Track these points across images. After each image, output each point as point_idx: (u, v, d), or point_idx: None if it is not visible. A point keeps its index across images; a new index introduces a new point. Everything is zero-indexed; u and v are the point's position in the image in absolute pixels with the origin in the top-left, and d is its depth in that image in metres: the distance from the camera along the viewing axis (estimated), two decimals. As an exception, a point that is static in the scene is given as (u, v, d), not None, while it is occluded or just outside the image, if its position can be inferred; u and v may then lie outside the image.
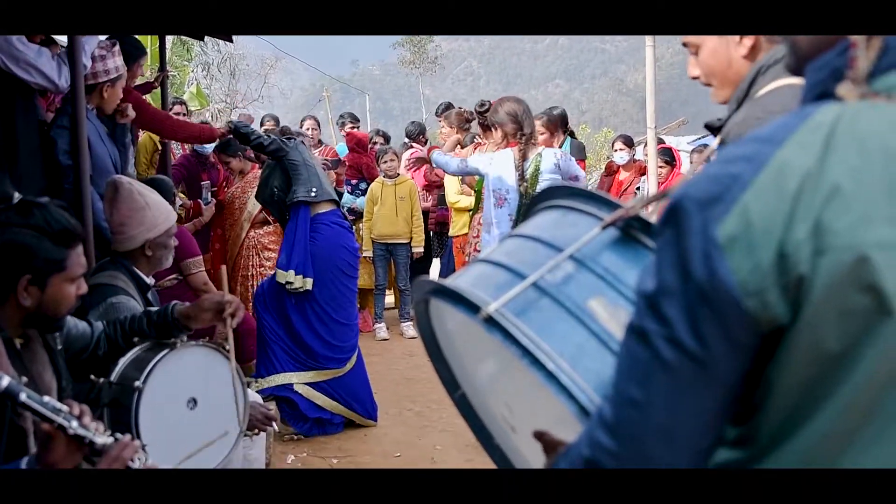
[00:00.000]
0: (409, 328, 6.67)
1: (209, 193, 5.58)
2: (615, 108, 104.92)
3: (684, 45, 1.90)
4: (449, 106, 7.20)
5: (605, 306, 1.15)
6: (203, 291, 4.16)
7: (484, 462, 1.52)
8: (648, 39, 5.83)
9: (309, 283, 4.28)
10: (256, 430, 2.72)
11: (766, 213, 0.80)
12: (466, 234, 5.54)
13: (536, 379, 1.08)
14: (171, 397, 2.27)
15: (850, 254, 0.77)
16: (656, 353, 0.85)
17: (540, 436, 1.16)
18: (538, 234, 1.29)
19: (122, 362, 2.31)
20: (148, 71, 9.53)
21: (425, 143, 8.43)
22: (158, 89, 5.66)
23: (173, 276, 4.02)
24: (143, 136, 5.76)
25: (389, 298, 7.40)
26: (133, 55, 4.36)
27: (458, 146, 5.75)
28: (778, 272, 0.79)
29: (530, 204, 1.42)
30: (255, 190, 4.85)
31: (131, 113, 4.19)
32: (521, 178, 4.29)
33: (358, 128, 8.00)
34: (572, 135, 6.88)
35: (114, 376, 2.26)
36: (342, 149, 7.66)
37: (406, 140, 8.31)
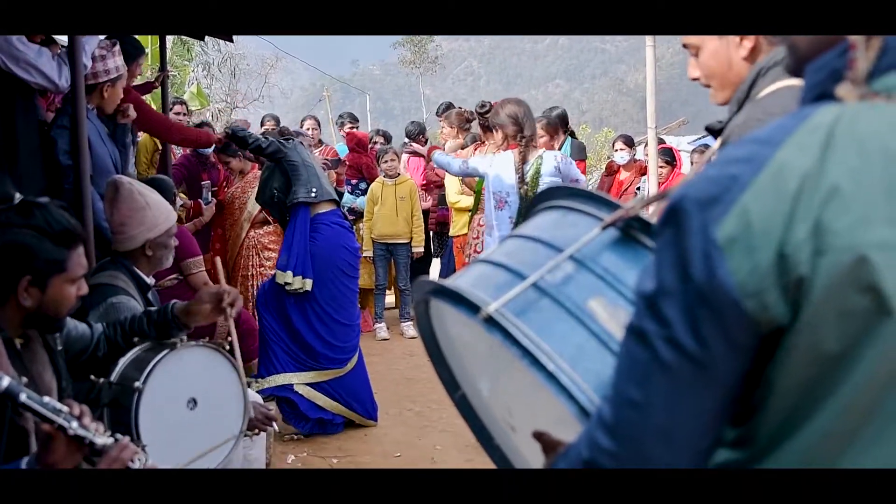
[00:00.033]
0: (410, 328, 6.67)
1: (209, 193, 5.58)
2: (615, 108, 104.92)
3: (685, 46, 1.90)
4: (449, 106, 7.20)
5: (605, 307, 1.15)
6: (203, 291, 4.16)
7: (484, 462, 1.52)
8: (648, 39, 5.82)
9: (308, 284, 4.28)
10: (257, 431, 2.72)
11: (765, 213, 0.80)
12: (466, 234, 5.54)
13: (536, 379, 1.08)
14: (171, 398, 2.27)
15: (849, 254, 0.77)
16: (655, 354, 0.85)
17: (539, 436, 1.16)
18: (538, 234, 1.29)
19: (122, 362, 2.31)
20: (148, 71, 9.55)
21: (425, 142, 8.43)
22: (159, 89, 5.66)
23: (174, 275, 4.02)
24: (143, 135, 5.76)
25: (390, 298, 7.40)
26: (132, 54, 4.36)
27: (460, 148, 5.75)
28: (777, 273, 0.79)
29: (530, 204, 1.42)
30: (255, 190, 4.85)
31: (132, 113, 4.19)
32: (522, 180, 4.29)
33: (357, 128, 7.99)
34: (573, 135, 6.88)
35: (114, 376, 2.26)
36: (342, 149, 7.66)
37: (406, 140, 8.31)
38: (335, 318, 4.39)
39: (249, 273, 5.34)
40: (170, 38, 11.19)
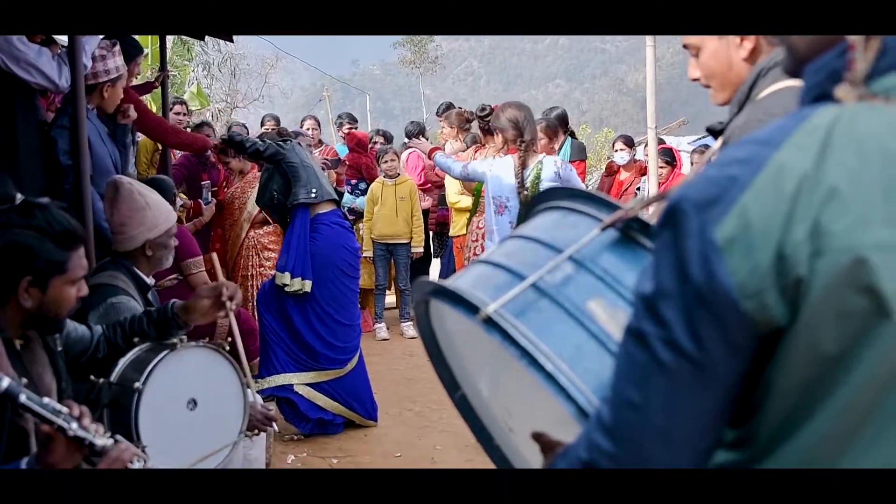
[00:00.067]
0: (410, 328, 6.67)
1: (209, 193, 5.57)
2: (615, 108, 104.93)
3: (685, 46, 1.90)
4: (450, 106, 7.20)
5: (605, 307, 1.15)
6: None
7: (484, 462, 1.52)
8: (649, 39, 5.81)
9: (308, 286, 4.28)
10: (256, 431, 2.72)
11: (763, 214, 0.80)
12: (466, 234, 5.52)
13: (535, 380, 1.08)
14: (171, 398, 2.27)
15: (847, 255, 0.77)
16: (654, 355, 0.85)
17: (538, 437, 1.16)
18: (538, 235, 1.29)
19: (122, 363, 2.31)
20: (148, 71, 9.56)
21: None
22: (159, 89, 5.66)
23: (173, 276, 4.02)
24: (143, 136, 5.76)
25: (391, 298, 7.40)
26: (130, 54, 4.36)
27: (460, 151, 5.74)
28: (776, 274, 0.79)
29: (531, 205, 1.42)
30: (255, 190, 4.85)
31: (133, 113, 4.19)
32: (522, 185, 4.27)
33: (356, 129, 7.99)
34: (573, 135, 6.88)
35: (114, 377, 2.26)
36: (342, 149, 7.66)
37: (405, 140, 8.31)
38: (335, 319, 4.39)
39: (249, 273, 5.33)
40: (170, 38, 11.20)
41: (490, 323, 1.12)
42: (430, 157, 4.95)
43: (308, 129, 7.34)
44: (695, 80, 1.93)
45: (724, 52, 1.83)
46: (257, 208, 5.27)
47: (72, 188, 3.43)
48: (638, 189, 6.53)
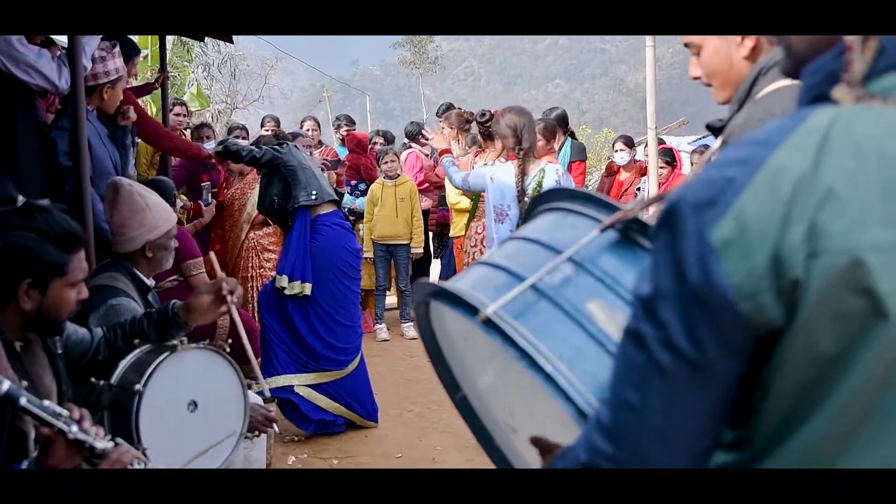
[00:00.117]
0: (410, 329, 6.67)
1: (209, 195, 5.57)
2: (615, 108, 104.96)
3: (686, 45, 1.90)
4: (450, 107, 7.20)
5: (604, 309, 1.15)
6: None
7: (484, 463, 1.51)
8: (648, 39, 5.81)
9: (308, 289, 4.28)
10: (257, 433, 2.72)
11: (760, 216, 0.80)
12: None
13: (535, 381, 1.08)
14: (171, 400, 2.27)
15: (844, 256, 0.77)
16: (652, 357, 0.85)
17: (536, 441, 1.16)
18: (538, 236, 1.29)
19: (123, 365, 2.30)
20: (148, 72, 9.56)
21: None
22: (159, 90, 5.66)
23: (174, 277, 4.02)
24: (143, 137, 5.76)
25: (392, 299, 7.40)
26: (128, 55, 4.36)
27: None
28: (773, 275, 0.79)
29: (531, 206, 1.42)
30: (255, 192, 4.84)
31: (132, 115, 4.19)
32: (523, 193, 4.26)
33: (353, 130, 7.98)
34: (573, 135, 6.88)
35: (114, 379, 2.26)
36: (340, 151, 7.65)
37: (405, 140, 8.30)
38: (336, 319, 4.39)
39: (249, 275, 5.33)
40: (170, 39, 11.20)
41: (489, 324, 1.12)
42: (440, 155, 4.89)
43: (308, 129, 7.34)
44: (696, 78, 1.93)
45: (726, 50, 1.83)
46: (257, 209, 5.27)
47: (72, 189, 3.44)
48: (638, 189, 6.53)
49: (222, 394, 2.40)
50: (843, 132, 0.81)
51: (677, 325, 0.83)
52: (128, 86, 4.57)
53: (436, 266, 7.69)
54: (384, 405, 4.73)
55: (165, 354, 2.27)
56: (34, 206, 2.00)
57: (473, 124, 5.76)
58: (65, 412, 1.69)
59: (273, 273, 4.59)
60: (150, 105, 8.42)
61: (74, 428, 1.68)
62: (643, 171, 6.51)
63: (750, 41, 1.80)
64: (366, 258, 6.22)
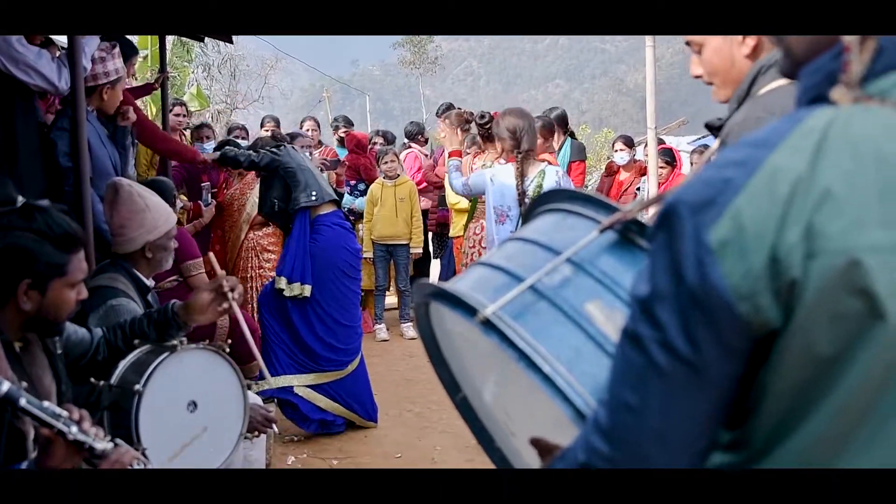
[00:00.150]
0: (410, 329, 6.67)
1: (209, 195, 5.58)
2: (615, 108, 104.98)
3: (687, 43, 1.90)
4: (450, 106, 7.19)
5: (603, 309, 1.15)
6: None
7: (484, 463, 1.52)
8: (648, 39, 5.81)
9: (307, 290, 4.28)
10: (256, 433, 2.72)
11: (758, 217, 0.80)
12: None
13: (533, 382, 1.08)
14: (171, 400, 2.27)
15: (842, 257, 0.77)
16: (650, 358, 0.85)
17: (535, 442, 1.16)
18: (537, 237, 1.29)
19: (122, 365, 2.30)
20: (148, 72, 9.56)
21: (425, 142, 8.42)
22: (159, 90, 5.66)
23: (173, 277, 4.02)
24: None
25: (391, 299, 7.40)
26: (125, 55, 4.36)
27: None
28: (770, 276, 0.79)
29: (530, 207, 1.42)
30: (255, 192, 4.84)
31: (132, 115, 4.19)
32: (523, 195, 4.26)
33: (352, 131, 7.98)
34: (572, 135, 6.88)
35: (114, 379, 2.26)
36: (339, 151, 7.65)
37: (405, 140, 8.31)
38: (336, 320, 4.39)
39: (249, 275, 5.33)
40: (169, 40, 11.20)
41: (488, 325, 1.12)
42: (449, 157, 4.87)
43: (308, 130, 7.34)
44: (697, 77, 1.92)
45: (727, 49, 1.83)
46: (256, 209, 5.27)
47: (71, 190, 3.43)
48: (638, 189, 6.53)
49: (222, 394, 2.40)
50: (840, 133, 0.81)
51: (675, 325, 0.83)
52: (127, 86, 4.56)
53: (435, 266, 7.69)
54: (384, 405, 4.74)
55: (165, 355, 2.27)
56: (34, 206, 2.00)
57: (472, 125, 5.75)
58: (64, 413, 1.69)
59: (272, 273, 4.58)
60: (150, 105, 8.42)
61: (74, 429, 1.68)
62: (643, 171, 6.51)
63: (751, 40, 1.80)
64: (365, 258, 6.22)
